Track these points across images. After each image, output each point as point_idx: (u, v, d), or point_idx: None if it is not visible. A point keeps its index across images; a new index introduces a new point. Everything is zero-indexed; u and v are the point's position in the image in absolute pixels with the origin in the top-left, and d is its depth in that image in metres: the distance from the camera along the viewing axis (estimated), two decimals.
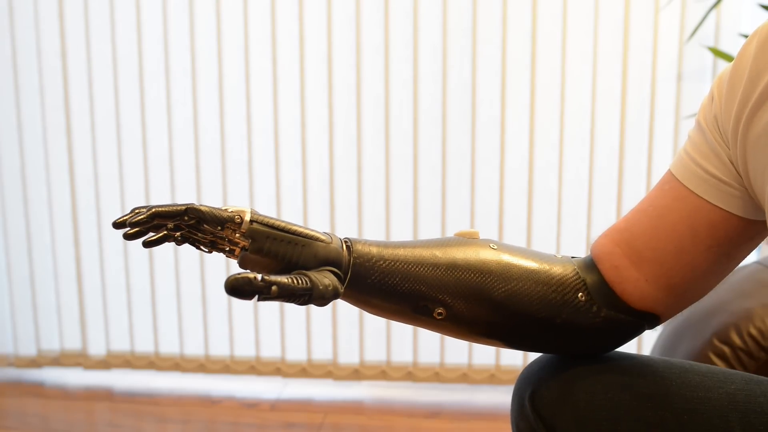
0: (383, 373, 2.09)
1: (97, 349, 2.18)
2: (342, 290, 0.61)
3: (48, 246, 2.15)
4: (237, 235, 0.60)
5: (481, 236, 0.70)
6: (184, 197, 2.07)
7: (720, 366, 1.09)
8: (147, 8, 2.01)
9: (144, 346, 2.16)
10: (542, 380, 0.69)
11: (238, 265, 0.62)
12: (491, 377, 2.05)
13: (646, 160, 1.93)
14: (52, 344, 2.20)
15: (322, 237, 0.63)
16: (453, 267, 0.65)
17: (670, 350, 1.22)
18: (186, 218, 0.59)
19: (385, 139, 1.99)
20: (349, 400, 2.09)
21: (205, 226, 0.60)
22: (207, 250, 0.61)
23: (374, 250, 0.65)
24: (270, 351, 2.13)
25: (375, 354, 2.09)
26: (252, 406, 2.05)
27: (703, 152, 0.65)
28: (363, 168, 2.01)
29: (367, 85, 1.97)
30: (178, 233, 0.60)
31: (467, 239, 0.69)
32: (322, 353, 2.11)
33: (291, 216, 2.05)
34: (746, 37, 1.67)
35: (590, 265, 0.70)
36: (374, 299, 0.65)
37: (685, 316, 1.25)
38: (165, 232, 0.60)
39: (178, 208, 0.59)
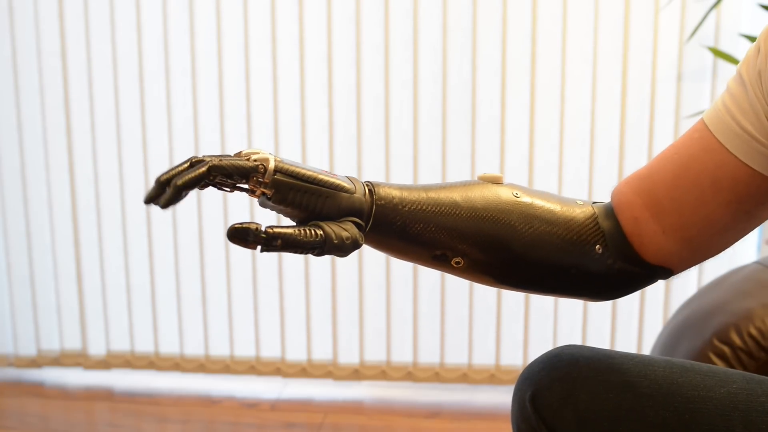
0: (383, 373, 2.09)
1: (97, 349, 2.18)
2: (362, 241, 0.61)
3: (48, 246, 2.15)
4: (260, 183, 0.59)
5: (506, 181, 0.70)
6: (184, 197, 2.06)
7: (720, 366, 1.09)
8: (147, 8, 2.01)
9: (144, 346, 2.16)
10: (543, 381, 0.68)
11: (259, 205, 0.61)
12: (491, 377, 2.05)
13: (646, 160, 1.93)
14: (52, 344, 2.20)
15: (347, 186, 0.62)
16: (473, 216, 0.65)
17: (670, 350, 1.22)
18: (211, 177, 0.57)
19: (385, 139, 1.99)
20: (349, 400, 2.09)
21: (228, 180, 0.58)
22: (229, 191, 0.60)
23: (396, 196, 0.64)
24: (270, 351, 2.13)
25: (375, 354, 2.09)
26: (252, 406, 2.05)
27: (742, 107, 0.64)
28: (363, 168, 2.01)
29: (367, 85, 1.97)
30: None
31: (490, 184, 0.68)
32: (322, 353, 2.11)
33: None
34: (746, 37, 1.68)
35: (610, 213, 0.70)
36: (394, 244, 0.65)
37: (685, 316, 1.25)
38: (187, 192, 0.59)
39: (201, 171, 0.57)
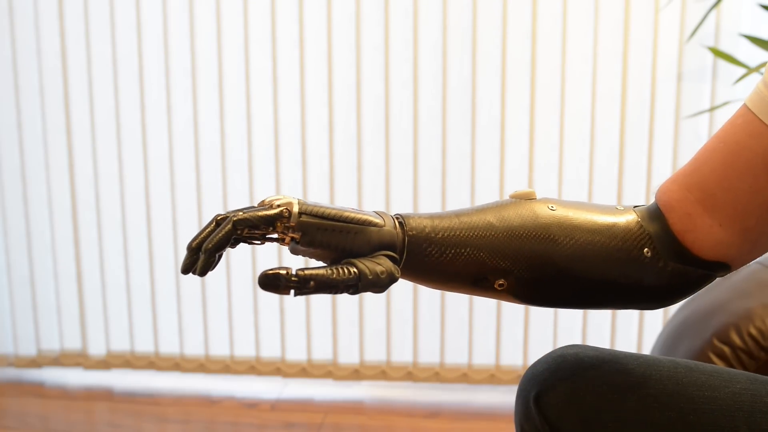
0: (383, 373, 2.09)
1: (97, 349, 2.18)
2: (398, 274, 0.60)
3: (48, 246, 2.15)
4: (287, 228, 0.58)
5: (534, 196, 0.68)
6: (184, 197, 2.07)
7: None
8: (147, 8, 2.00)
9: (144, 346, 2.16)
10: (548, 381, 0.68)
11: (290, 252, 0.60)
12: (491, 377, 2.05)
13: (646, 160, 1.93)
14: (52, 344, 2.20)
15: (375, 220, 0.60)
16: (510, 235, 0.63)
17: (670, 350, 1.22)
18: (238, 232, 0.57)
19: (385, 139, 1.99)
20: (349, 400, 2.09)
21: (255, 232, 0.58)
22: (259, 243, 0.59)
23: (428, 225, 0.63)
24: (270, 351, 2.13)
25: (375, 354, 2.09)
26: (252, 406, 2.05)
27: None
28: (363, 168, 2.01)
29: (367, 85, 1.97)
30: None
31: (523, 201, 0.66)
32: (322, 353, 2.11)
33: None
34: (746, 37, 1.68)
35: (655, 214, 0.67)
36: (432, 276, 0.64)
37: (685, 316, 1.26)
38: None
39: (228, 229, 0.57)
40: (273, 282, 0.54)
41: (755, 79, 1.79)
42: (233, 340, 2.13)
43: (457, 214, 0.65)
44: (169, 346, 2.15)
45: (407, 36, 1.94)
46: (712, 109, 1.84)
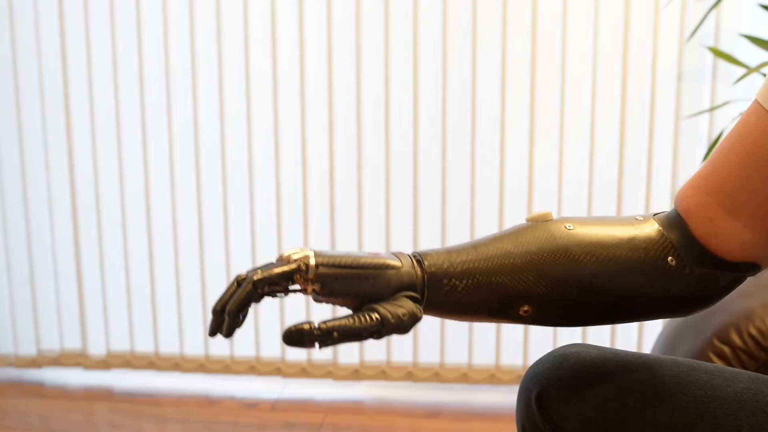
0: (383, 373, 2.09)
1: (97, 349, 2.18)
2: (421, 314, 0.60)
3: (48, 246, 2.15)
4: (306, 281, 0.59)
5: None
6: (184, 197, 2.07)
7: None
8: (147, 8, 2.00)
9: (144, 346, 2.16)
10: (549, 380, 0.68)
11: (313, 301, 0.62)
12: (491, 377, 2.05)
13: (646, 160, 1.93)
14: (52, 344, 2.20)
15: (392, 263, 0.60)
16: (529, 259, 0.62)
17: (670, 350, 1.22)
18: (259, 291, 0.58)
19: (385, 139, 1.99)
20: (349, 400, 2.09)
21: (277, 287, 0.59)
22: (283, 296, 0.60)
23: (445, 260, 0.62)
24: (270, 351, 2.13)
25: (375, 354, 2.09)
26: (252, 406, 2.05)
27: None
28: (363, 168, 2.01)
29: (367, 85, 1.97)
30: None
31: (539, 223, 0.66)
32: (322, 353, 2.11)
33: (291, 216, 2.05)
34: (746, 37, 1.68)
35: (676, 221, 0.65)
36: (455, 310, 0.63)
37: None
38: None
39: (248, 290, 0.58)
40: (297, 338, 0.54)
41: (755, 79, 1.79)
42: (233, 340, 2.13)
43: (474, 245, 0.64)
44: (169, 346, 2.15)
45: (407, 36, 1.94)
46: (712, 109, 1.84)
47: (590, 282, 0.63)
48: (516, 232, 0.65)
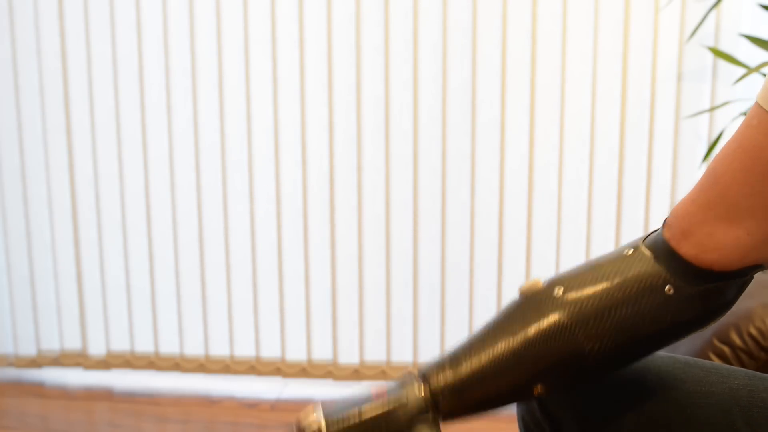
0: (383, 373, 2.08)
1: (97, 349, 2.18)
2: None
3: (48, 246, 2.15)
4: None
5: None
6: (184, 197, 2.07)
7: None
8: (147, 8, 2.01)
9: (144, 346, 2.16)
10: None
11: None
12: None
13: (646, 160, 1.93)
14: (52, 344, 2.20)
15: (398, 402, 0.62)
16: (530, 347, 0.62)
17: (669, 350, 1.22)
18: None
19: (385, 139, 1.99)
20: None
21: None
22: None
23: (449, 377, 0.63)
24: (270, 351, 2.13)
25: (375, 354, 2.09)
26: (252, 406, 2.05)
27: None
28: (363, 168, 2.01)
29: (367, 85, 1.97)
30: None
31: (531, 297, 0.64)
32: (322, 353, 2.11)
33: (291, 216, 2.05)
34: (746, 37, 1.68)
35: (663, 246, 0.62)
36: (472, 414, 0.64)
37: None
38: None
39: None
40: None
41: (755, 79, 1.79)
42: (233, 340, 2.13)
43: (472, 347, 0.64)
44: (169, 346, 2.15)
45: (407, 36, 1.94)
46: (712, 109, 1.84)
47: (596, 351, 0.61)
48: (509, 321, 0.64)
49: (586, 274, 0.64)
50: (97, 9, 2.02)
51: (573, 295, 0.62)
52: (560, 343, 0.61)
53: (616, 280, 0.62)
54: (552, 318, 0.62)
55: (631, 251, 0.64)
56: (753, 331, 1.11)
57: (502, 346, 0.62)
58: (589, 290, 0.62)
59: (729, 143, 0.62)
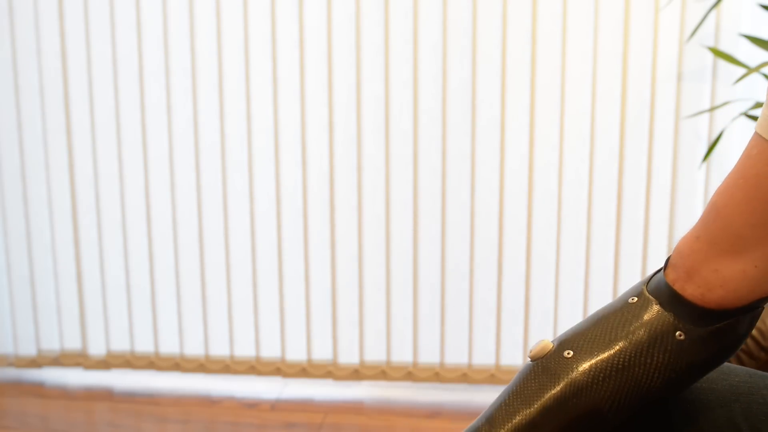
0: (383, 373, 2.08)
1: (97, 349, 2.18)
2: None
3: (48, 246, 2.15)
4: None
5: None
6: (184, 197, 2.07)
7: None
8: (147, 8, 2.01)
9: (144, 346, 2.16)
10: None
11: None
12: (491, 377, 2.05)
13: (646, 160, 1.93)
14: (52, 344, 2.20)
15: None
16: (549, 414, 0.61)
17: None
18: None
19: (385, 139, 1.99)
20: (349, 400, 2.09)
21: None
22: None
23: None
24: (270, 351, 2.13)
25: (375, 354, 2.09)
26: (252, 406, 2.05)
27: None
28: (363, 168, 2.01)
29: (367, 85, 1.97)
30: None
31: (544, 363, 0.63)
32: (322, 353, 2.11)
33: (291, 216, 2.05)
34: (746, 37, 1.68)
35: (667, 291, 0.62)
36: None
37: None
38: None
39: None
40: None
41: (755, 79, 1.79)
42: (233, 340, 2.13)
43: (492, 422, 0.65)
44: (169, 346, 2.15)
45: (407, 36, 1.94)
46: (712, 109, 1.84)
47: (613, 406, 0.61)
48: (524, 390, 0.64)
49: (594, 331, 0.63)
50: (97, 9, 2.02)
51: (584, 356, 0.62)
52: (578, 408, 0.61)
53: (626, 335, 0.61)
54: (566, 383, 0.61)
55: (635, 299, 0.63)
56: (753, 331, 1.11)
57: (519, 419, 0.62)
58: (599, 350, 0.62)
59: (730, 176, 0.61)
